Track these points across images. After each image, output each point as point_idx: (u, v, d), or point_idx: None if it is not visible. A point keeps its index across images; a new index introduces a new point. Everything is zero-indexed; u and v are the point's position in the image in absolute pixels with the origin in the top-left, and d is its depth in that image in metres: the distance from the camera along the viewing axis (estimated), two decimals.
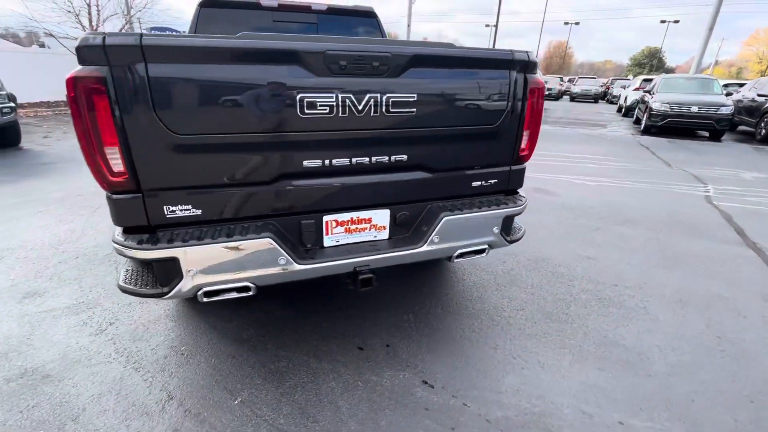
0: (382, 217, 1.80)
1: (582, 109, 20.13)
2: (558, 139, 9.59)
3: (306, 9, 3.26)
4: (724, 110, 9.91)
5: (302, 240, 1.70)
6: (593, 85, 25.81)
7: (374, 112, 1.53)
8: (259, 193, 1.55)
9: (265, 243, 1.51)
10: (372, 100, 1.51)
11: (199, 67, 1.31)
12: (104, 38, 1.21)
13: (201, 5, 3.06)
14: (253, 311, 2.36)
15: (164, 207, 1.45)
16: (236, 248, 1.48)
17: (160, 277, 1.48)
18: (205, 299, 1.56)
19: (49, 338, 2.08)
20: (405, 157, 1.70)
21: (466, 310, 2.44)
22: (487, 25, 41.56)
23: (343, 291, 2.60)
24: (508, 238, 2.00)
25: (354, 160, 1.62)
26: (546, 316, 2.39)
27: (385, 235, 1.85)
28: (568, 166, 6.64)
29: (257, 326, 2.23)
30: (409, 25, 33.47)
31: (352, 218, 1.75)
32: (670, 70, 56.50)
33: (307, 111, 1.44)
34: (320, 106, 1.45)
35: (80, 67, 1.23)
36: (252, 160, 1.49)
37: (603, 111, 19.14)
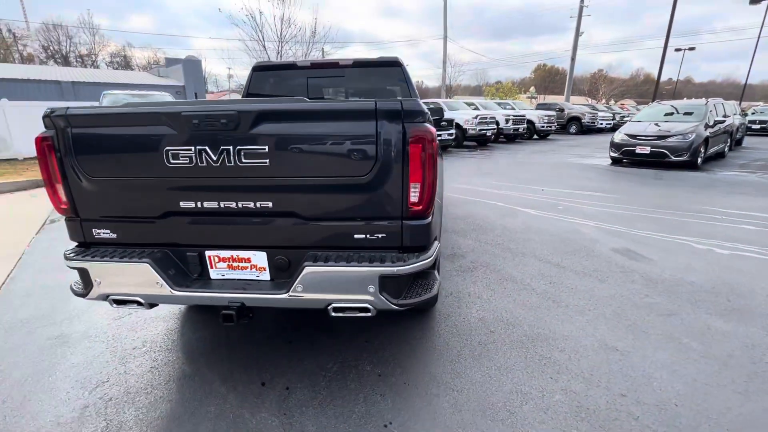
0: (260, 258, 1.89)
1: None
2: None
3: (334, 65, 3.64)
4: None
5: (190, 269, 1.95)
6: None
7: (229, 162, 1.69)
8: (153, 225, 1.89)
9: (144, 267, 1.82)
10: (225, 152, 1.68)
11: (99, 128, 1.76)
12: (50, 111, 1.77)
13: (254, 69, 3.81)
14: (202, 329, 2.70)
15: (93, 230, 1.94)
16: (123, 268, 1.84)
17: (84, 282, 1.95)
18: (114, 305, 1.96)
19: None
20: (270, 204, 1.77)
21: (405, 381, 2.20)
22: (677, 49, 34.74)
23: (300, 323, 2.71)
24: (395, 301, 1.77)
25: (222, 204, 1.79)
26: None
27: (266, 276, 1.92)
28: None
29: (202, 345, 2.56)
30: (573, 59, 31.04)
31: (232, 256, 1.91)
32: None
33: (172, 161, 1.71)
34: (182, 156, 1.70)
35: (43, 129, 1.83)
36: (142, 197, 1.84)
37: None
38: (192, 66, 30.80)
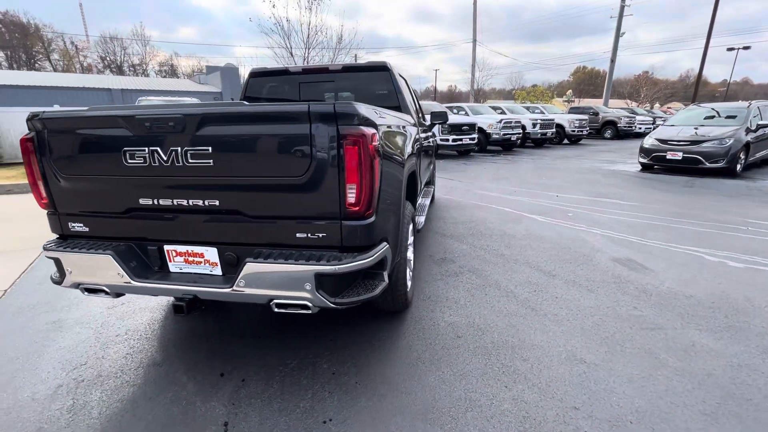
0: (212, 254, 1.99)
1: None
2: None
3: (324, 70, 3.73)
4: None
5: (151, 262, 2.08)
6: None
7: (177, 162, 1.80)
8: (118, 220, 2.04)
9: (106, 259, 1.96)
10: (173, 152, 1.79)
11: (68, 131, 1.93)
12: (32, 115, 1.97)
13: (250, 75, 3.98)
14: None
15: (69, 223, 2.12)
16: (89, 259, 2.00)
17: (59, 271, 2.13)
18: (85, 293, 2.13)
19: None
20: (217, 202, 1.86)
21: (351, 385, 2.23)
22: (729, 49, 32.36)
23: (266, 318, 2.80)
24: (332, 299, 1.81)
25: (175, 201, 1.91)
26: None
27: (219, 271, 2.02)
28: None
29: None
30: (612, 61, 29.69)
31: (188, 251, 2.02)
32: None
33: (129, 161, 1.85)
34: (137, 156, 1.84)
35: (27, 131, 2.04)
36: (107, 194, 1.99)
37: None
38: (229, 73, 32.35)
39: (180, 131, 1.76)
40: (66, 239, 2.16)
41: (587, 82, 76.64)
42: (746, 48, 33.70)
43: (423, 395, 2.05)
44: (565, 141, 18.18)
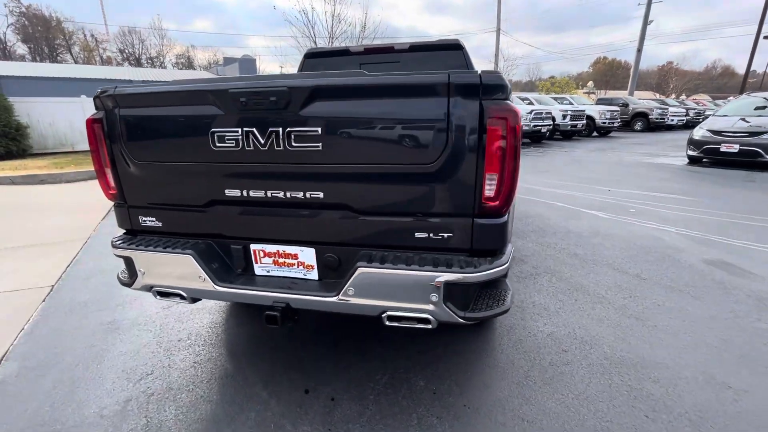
0: (308, 255, 1.70)
1: None
2: None
3: (389, 50, 3.39)
4: None
5: (234, 264, 1.80)
6: None
7: (277, 146, 1.50)
8: (197, 214, 1.76)
9: (186, 259, 1.69)
10: (273, 134, 1.49)
11: (145, 108, 1.65)
12: (100, 92, 1.69)
13: (305, 56, 3.66)
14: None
15: (139, 217, 1.85)
16: (166, 259, 1.73)
17: (129, 271, 1.88)
18: (158, 297, 1.86)
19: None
20: (321, 194, 1.56)
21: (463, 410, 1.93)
22: (766, 37, 30.65)
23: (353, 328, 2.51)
24: (461, 314, 1.50)
25: (269, 193, 1.61)
26: None
27: (314, 275, 1.73)
28: None
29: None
30: (639, 50, 28.44)
31: (278, 251, 1.73)
32: None
33: (218, 144, 1.56)
34: (228, 139, 1.54)
35: (94, 110, 1.76)
36: (187, 184, 1.71)
37: None
38: (247, 64, 32.18)
39: (283, 107, 1.46)
40: (136, 235, 1.90)
41: (608, 74, 74.34)
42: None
43: (550, 425, 1.73)
44: (595, 133, 17.48)
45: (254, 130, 1.50)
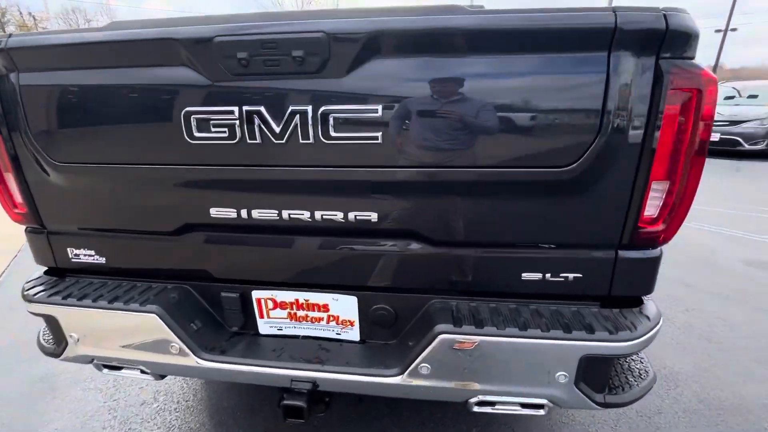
0: (345, 306, 1.11)
1: None
2: None
3: None
4: None
5: (226, 320, 1.18)
6: None
7: (304, 138, 0.89)
8: (166, 244, 1.11)
9: (148, 320, 1.05)
10: (297, 118, 0.88)
11: (67, 72, 0.97)
12: None
13: None
14: None
15: (68, 249, 1.17)
16: (115, 319, 1.08)
17: (54, 336, 1.21)
18: (105, 371, 1.21)
19: None
20: (373, 215, 0.97)
21: None
22: (717, 31, 32.07)
23: None
24: (599, 398, 0.97)
25: (286, 213, 1.00)
26: None
27: (354, 334, 1.14)
28: None
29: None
30: None
31: (297, 300, 1.12)
32: None
33: (197, 134, 0.92)
34: (216, 127, 0.91)
35: None
36: (145, 199, 1.07)
37: None
38: None
39: (315, 70, 0.85)
40: (63, 276, 1.23)
41: None
42: (734, 30, 33.24)
43: None
44: None
45: (262, 110, 0.88)
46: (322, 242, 1.04)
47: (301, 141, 0.89)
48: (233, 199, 1.01)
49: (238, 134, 0.91)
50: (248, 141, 0.91)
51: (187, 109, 0.91)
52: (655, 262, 0.98)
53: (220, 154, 0.94)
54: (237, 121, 0.90)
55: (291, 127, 0.88)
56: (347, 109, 0.86)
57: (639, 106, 0.82)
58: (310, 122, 0.87)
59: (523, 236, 0.97)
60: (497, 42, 0.83)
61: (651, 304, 1.03)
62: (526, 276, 0.99)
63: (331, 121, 0.87)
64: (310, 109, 0.87)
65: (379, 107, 0.85)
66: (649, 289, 1.01)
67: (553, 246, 0.97)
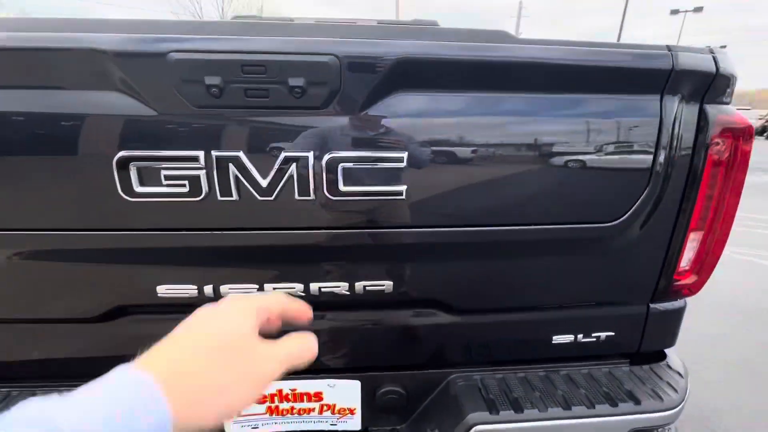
0: (345, 392, 0.88)
1: None
2: None
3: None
4: None
5: None
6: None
7: (302, 193, 0.66)
8: (89, 334, 0.78)
9: None
10: (294, 166, 0.64)
11: None
12: None
13: None
14: None
15: None
16: None
17: None
18: None
19: None
20: (387, 285, 0.77)
21: None
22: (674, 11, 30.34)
23: None
24: None
25: (269, 287, 0.75)
26: None
27: (354, 423, 0.92)
28: None
29: None
30: None
31: (280, 391, 0.87)
32: None
33: (138, 189, 0.63)
34: (170, 179, 0.63)
35: None
36: (57, 276, 0.74)
37: None
38: None
39: (319, 106, 0.63)
40: None
41: None
42: (697, 10, 27.85)
43: None
44: None
45: (241, 156, 0.63)
46: (318, 320, 0.80)
47: (297, 197, 0.66)
48: (193, 273, 0.73)
49: (205, 189, 0.64)
50: (219, 198, 0.65)
51: (123, 153, 0.62)
52: (681, 312, 0.93)
53: (176, 215, 0.66)
54: (203, 171, 0.63)
55: (284, 180, 0.65)
56: (363, 156, 0.65)
57: (685, 153, 0.75)
58: (311, 173, 0.64)
59: (559, 296, 0.85)
60: (554, 78, 0.69)
61: (673, 355, 0.97)
62: (557, 339, 0.87)
63: (341, 172, 0.65)
64: (311, 156, 0.64)
65: (404, 155, 0.66)
66: (673, 341, 0.96)
67: (587, 303, 0.86)
